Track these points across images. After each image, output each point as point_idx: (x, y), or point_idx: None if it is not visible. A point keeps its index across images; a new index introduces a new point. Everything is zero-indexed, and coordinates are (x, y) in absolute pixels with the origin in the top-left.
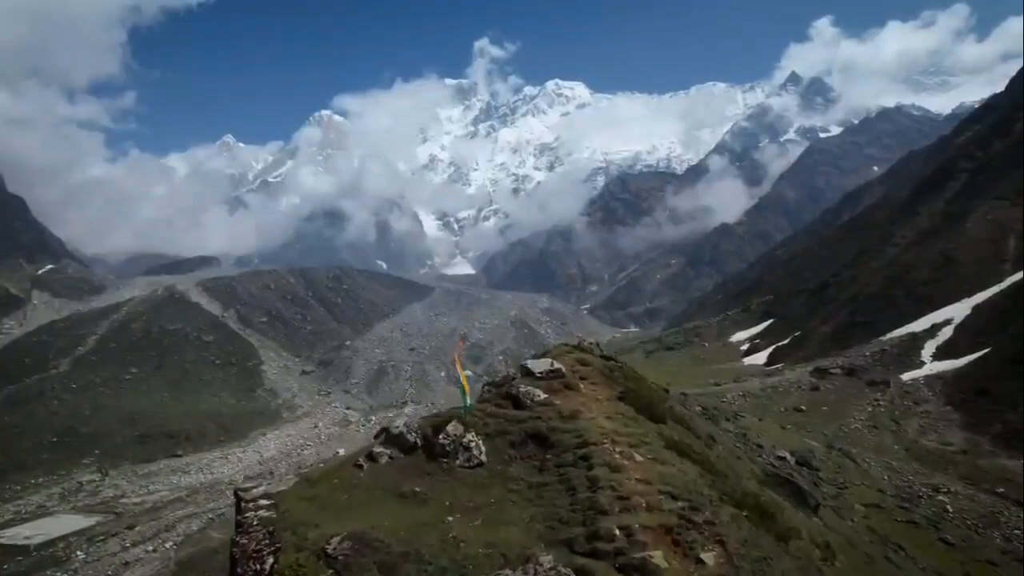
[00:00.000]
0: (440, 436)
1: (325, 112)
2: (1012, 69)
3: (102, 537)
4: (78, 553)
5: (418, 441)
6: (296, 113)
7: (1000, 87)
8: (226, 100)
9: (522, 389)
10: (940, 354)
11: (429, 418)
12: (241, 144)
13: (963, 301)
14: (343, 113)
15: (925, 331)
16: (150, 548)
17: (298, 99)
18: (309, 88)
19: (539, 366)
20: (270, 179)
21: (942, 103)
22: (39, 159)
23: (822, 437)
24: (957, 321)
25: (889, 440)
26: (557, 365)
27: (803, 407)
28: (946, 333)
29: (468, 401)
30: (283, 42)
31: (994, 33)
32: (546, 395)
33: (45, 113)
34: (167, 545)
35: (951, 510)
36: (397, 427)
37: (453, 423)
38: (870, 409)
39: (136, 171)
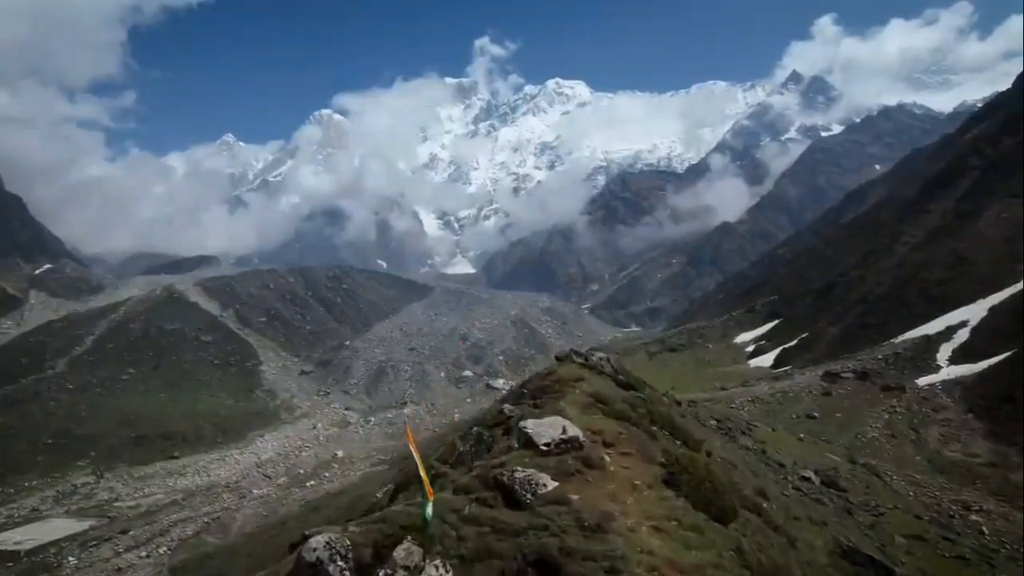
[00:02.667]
0: (383, 570)
1: (325, 111)
2: (1014, 67)
3: (95, 542)
4: (70, 558)
5: None
6: (296, 112)
7: (1002, 85)
8: (226, 99)
9: (519, 475)
10: (957, 357)
11: (370, 527)
12: (241, 143)
13: (978, 302)
14: (343, 112)
15: (939, 333)
16: (143, 553)
17: (298, 98)
18: (309, 87)
19: (544, 433)
20: (270, 178)
21: (944, 101)
22: (38, 158)
23: (841, 449)
24: (973, 323)
25: (910, 451)
26: (572, 431)
27: (816, 414)
28: (962, 335)
29: (429, 511)
30: (283, 42)
31: (996, 31)
32: (556, 483)
33: (44, 112)
34: (160, 550)
35: (987, 532)
36: (315, 550)
37: (405, 545)
38: (887, 416)
39: (135, 170)
